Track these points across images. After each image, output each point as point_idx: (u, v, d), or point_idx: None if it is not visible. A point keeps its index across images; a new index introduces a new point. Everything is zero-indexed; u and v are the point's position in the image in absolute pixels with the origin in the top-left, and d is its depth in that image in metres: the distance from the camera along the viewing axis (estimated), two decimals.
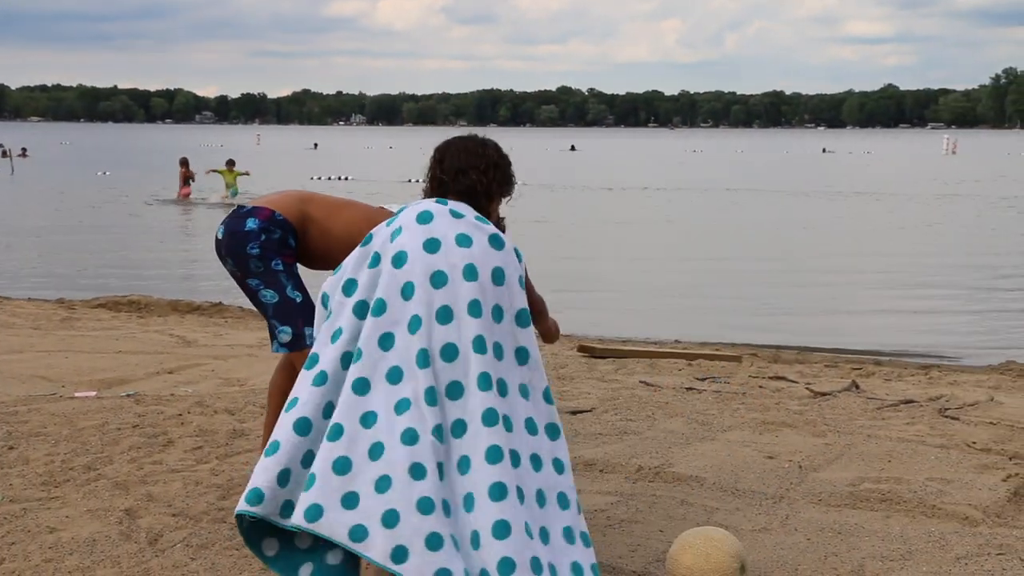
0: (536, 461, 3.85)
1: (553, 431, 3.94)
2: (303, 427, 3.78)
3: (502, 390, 3.83)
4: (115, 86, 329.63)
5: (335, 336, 3.89)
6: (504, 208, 4.47)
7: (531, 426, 3.89)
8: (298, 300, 4.73)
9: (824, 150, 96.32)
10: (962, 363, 10.40)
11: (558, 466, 3.90)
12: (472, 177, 4.17)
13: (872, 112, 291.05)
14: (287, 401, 3.90)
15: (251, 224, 4.73)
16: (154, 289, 14.42)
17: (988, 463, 5.82)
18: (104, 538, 4.54)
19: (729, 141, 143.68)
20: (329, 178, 43.23)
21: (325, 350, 3.89)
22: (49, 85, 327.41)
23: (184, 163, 30.48)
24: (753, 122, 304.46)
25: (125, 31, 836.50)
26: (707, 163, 68.05)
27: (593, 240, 22.59)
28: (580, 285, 16.09)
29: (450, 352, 3.80)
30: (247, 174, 30.24)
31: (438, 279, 3.87)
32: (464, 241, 3.94)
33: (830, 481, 5.49)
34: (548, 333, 4.54)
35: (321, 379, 3.83)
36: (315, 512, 3.61)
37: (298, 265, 4.91)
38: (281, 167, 55.37)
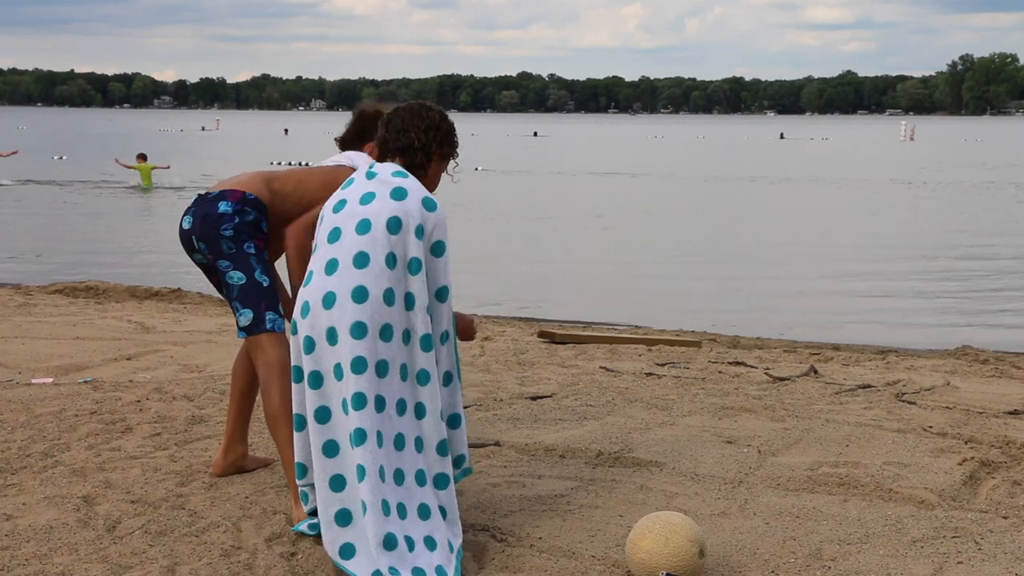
0: (401, 406, 4.14)
1: (423, 377, 4.19)
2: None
3: (385, 336, 4.10)
4: (72, 70, 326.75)
5: None
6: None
7: (403, 372, 4.16)
8: (265, 284, 4.70)
9: (782, 135, 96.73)
10: (919, 348, 10.48)
11: (419, 411, 4.20)
12: (411, 135, 4.42)
13: (831, 98, 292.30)
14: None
15: (224, 207, 4.69)
16: (112, 275, 14.31)
17: (944, 447, 5.87)
18: (62, 525, 4.51)
19: (689, 127, 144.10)
20: (290, 164, 43.05)
21: None
22: (4, 69, 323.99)
23: None
24: (713, 108, 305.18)
25: (82, 15, 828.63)
26: (668, 149, 68.23)
27: (554, 226, 22.60)
28: (540, 271, 16.11)
29: (329, 300, 4.10)
30: (167, 167, 30.01)
31: (333, 235, 4.22)
32: (367, 199, 4.24)
33: (788, 465, 5.52)
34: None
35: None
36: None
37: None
38: (246, 153, 55.07)
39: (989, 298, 14.11)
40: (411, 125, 4.42)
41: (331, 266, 4.15)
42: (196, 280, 13.82)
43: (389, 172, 4.32)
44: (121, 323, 9.91)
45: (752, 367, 8.36)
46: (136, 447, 5.68)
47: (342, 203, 4.28)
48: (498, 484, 5.15)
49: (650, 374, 7.88)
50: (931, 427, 6.30)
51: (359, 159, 4.96)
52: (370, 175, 4.34)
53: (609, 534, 4.54)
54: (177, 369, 7.87)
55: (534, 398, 6.98)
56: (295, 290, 4.60)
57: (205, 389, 7.02)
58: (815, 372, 8.09)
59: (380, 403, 4.07)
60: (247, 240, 4.68)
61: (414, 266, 4.16)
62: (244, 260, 4.68)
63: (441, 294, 4.26)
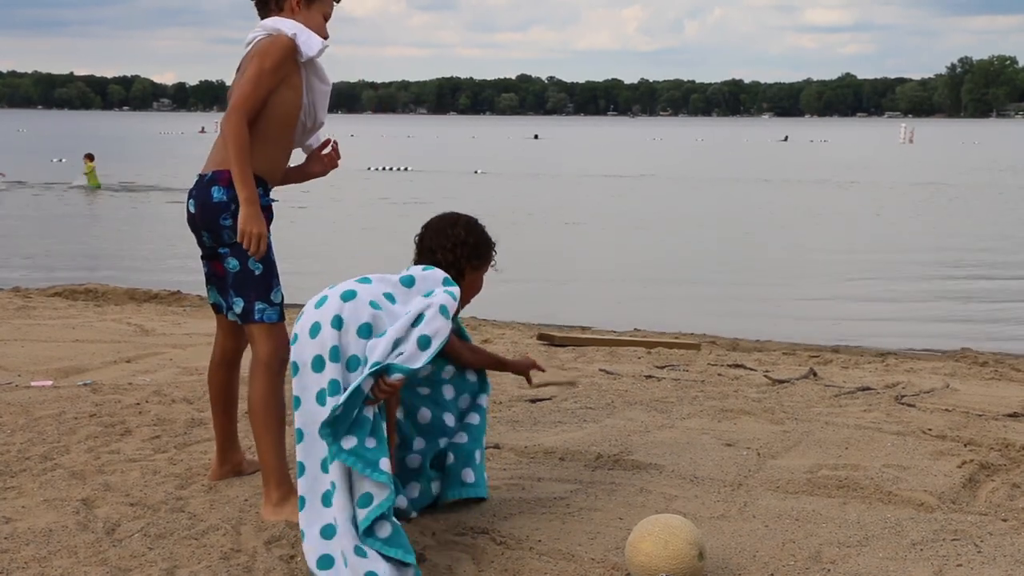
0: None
1: (352, 363, 4.11)
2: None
3: (351, 366, 4.08)
4: (71, 73, 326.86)
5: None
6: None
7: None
8: (256, 272, 4.67)
9: (786, 138, 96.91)
10: (918, 350, 10.48)
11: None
12: (438, 256, 4.61)
13: (830, 101, 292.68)
14: None
15: (217, 194, 4.64)
16: (111, 277, 14.31)
17: (944, 449, 5.87)
18: (61, 528, 4.51)
19: (688, 130, 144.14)
20: None
21: None
22: (4, 71, 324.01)
23: None
24: (712, 110, 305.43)
25: (81, 17, 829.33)
26: (668, 151, 68.25)
27: (553, 228, 22.60)
28: (540, 274, 16.10)
29: (315, 330, 4.14)
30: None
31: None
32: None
33: (788, 468, 5.52)
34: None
35: None
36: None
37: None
38: None
39: (989, 300, 14.12)
40: (437, 246, 4.62)
41: (320, 301, 4.21)
42: (195, 283, 13.82)
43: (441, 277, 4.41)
44: (120, 326, 9.91)
45: (751, 369, 8.36)
46: (135, 450, 5.68)
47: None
48: (497, 487, 5.15)
49: (649, 376, 7.88)
50: (930, 430, 6.29)
51: (280, 25, 4.70)
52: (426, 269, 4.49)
53: (609, 537, 4.54)
54: (176, 372, 7.87)
55: (533, 401, 6.98)
56: (243, 179, 4.52)
57: (204, 392, 6.99)
58: (814, 375, 8.09)
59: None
60: None
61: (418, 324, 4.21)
62: (240, 247, 4.66)
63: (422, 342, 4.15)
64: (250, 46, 4.75)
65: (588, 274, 16.33)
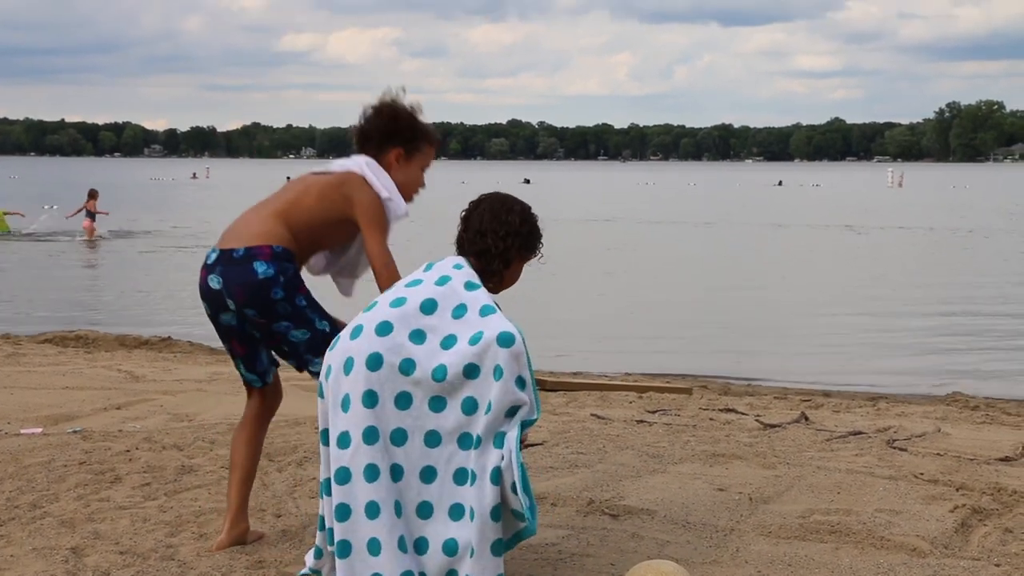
0: (429, 473, 4.02)
1: (465, 440, 4.04)
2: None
3: (401, 404, 3.99)
4: (62, 119, 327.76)
5: None
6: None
7: (433, 438, 4.02)
8: (327, 331, 4.66)
9: (780, 183, 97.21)
10: (909, 394, 10.48)
11: (459, 477, 4.03)
12: (488, 241, 4.33)
13: (819, 145, 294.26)
14: None
15: (263, 269, 4.56)
16: (101, 324, 14.28)
17: (936, 494, 5.86)
18: None
19: (680, 174, 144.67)
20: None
21: None
22: None
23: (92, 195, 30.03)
24: (702, 155, 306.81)
25: (73, 65, 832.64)
26: (660, 195, 68.46)
27: (544, 272, 22.61)
28: (530, 318, 16.09)
29: (348, 365, 4.05)
30: (21, 215, 30.88)
31: (369, 307, 4.22)
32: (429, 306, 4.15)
33: (780, 513, 5.51)
34: None
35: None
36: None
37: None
38: (242, 201, 55.06)
39: (979, 344, 14.14)
40: (489, 229, 4.34)
41: (356, 332, 4.10)
42: (186, 329, 13.80)
43: (463, 281, 4.24)
44: (111, 372, 9.88)
45: (743, 414, 8.36)
46: (125, 497, 5.65)
47: (400, 301, 4.19)
48: None
49: (641, 421, 7.87)
50: (922, 474, 6.29)
51: (376, 180, 4.77)
52: (442, 281, 4.24)
53: None
54: (167, 418, 7.84)
55: (525, 446, 6.95)
56: None
57: (195, 438, 6.99)
58: (806, 419, 8.09)
59: (397, 472, 4.01)
60: (296, 295, 4.62)
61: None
62: (301, 315, 4.63)
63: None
64: (336, 174, 4.84)
65: (579, 318, 16.34)
